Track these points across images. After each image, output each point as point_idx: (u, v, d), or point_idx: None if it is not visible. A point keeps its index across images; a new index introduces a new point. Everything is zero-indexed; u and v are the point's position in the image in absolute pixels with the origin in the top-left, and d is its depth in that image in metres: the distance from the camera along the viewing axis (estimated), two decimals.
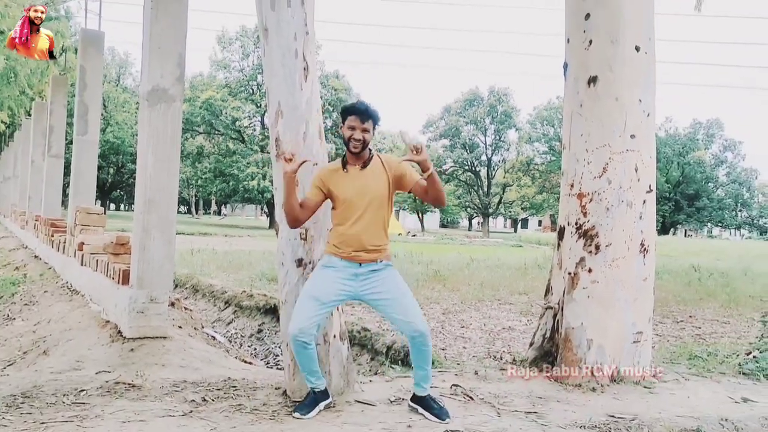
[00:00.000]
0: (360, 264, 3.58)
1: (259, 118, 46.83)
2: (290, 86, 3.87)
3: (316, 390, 3.68)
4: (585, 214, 4.58)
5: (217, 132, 45.64)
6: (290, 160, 3.53)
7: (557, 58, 5.05)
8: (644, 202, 4.60)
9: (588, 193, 4.58)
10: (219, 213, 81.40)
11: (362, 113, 3.57)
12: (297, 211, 3.58)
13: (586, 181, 4.59)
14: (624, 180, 4.52)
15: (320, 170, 3.74)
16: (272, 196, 43.73)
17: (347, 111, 3.61)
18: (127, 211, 68.21)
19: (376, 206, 3.60)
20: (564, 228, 4.76)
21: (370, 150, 3.67)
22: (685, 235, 70.70)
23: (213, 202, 79.43)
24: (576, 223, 4.63)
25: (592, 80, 4.59)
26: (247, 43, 45.67)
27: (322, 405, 3.66)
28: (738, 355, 5.51)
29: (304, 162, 3.60)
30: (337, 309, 4.03)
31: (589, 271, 4.53)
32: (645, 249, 4.60)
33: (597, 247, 4.52)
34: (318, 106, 4.02)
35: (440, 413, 3.60)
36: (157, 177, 4.76)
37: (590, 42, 4.60)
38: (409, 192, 3.66)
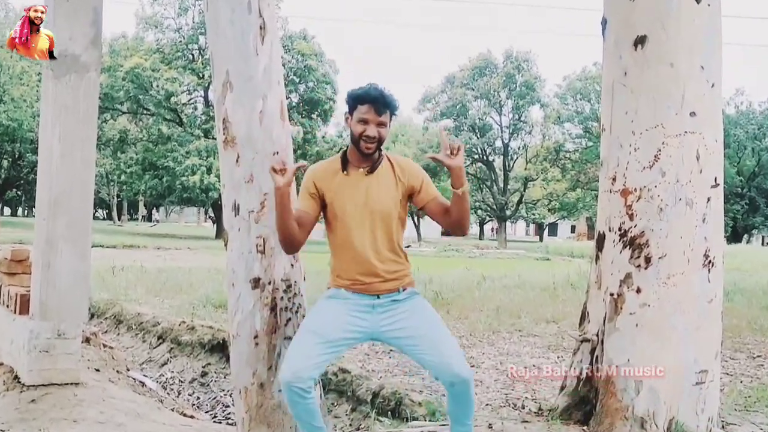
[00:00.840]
0: (378, 296, 3.57)
1: (202, 94, 46.79)
2: (242, 50, 3.88)
3: None
4: (631, 217, 4.60)
5: (146, 112, 45.60)
6: (282, 170, 3.45)
7: (595, 12, 5.08)
8: (708, 199, 4.63)
9: (635, 189, 4.60)
10: (149, 219, 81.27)
11: (378, 102, 3.49)
12: (294, 233, 3.53)
13: (632, 172, 4.62)
14: (682, 171, 4.54)
15: (312, 171, 3.70)
16: (219, 195, 43.25)
17: (358, 99, 3.54)
18: (27, 216, 67.90)
19: (385, 222, 3.59)
20: (604, 235, 4.78)
21: (380, 150, 3.64)
22: (763, 243, 71.32)
23: (141, 204, 79.20)
24: (620, 229, 4.65)
25: (640, 41, 4.61)
26: None
27: None
28: None
29: (300, 167, 3.58)
30: None
31: (638, 291, 4.55)
32: (710, 262, 4.62)
33: (647, 260, 4.54)
34: (279, 77, 4.04)
35: None
36: (65, 170, 4.73)
37: None
38: (420, 209, 3.67)
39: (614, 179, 4.73)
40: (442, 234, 78.73)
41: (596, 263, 4.89)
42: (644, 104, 4.62)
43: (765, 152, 61.55)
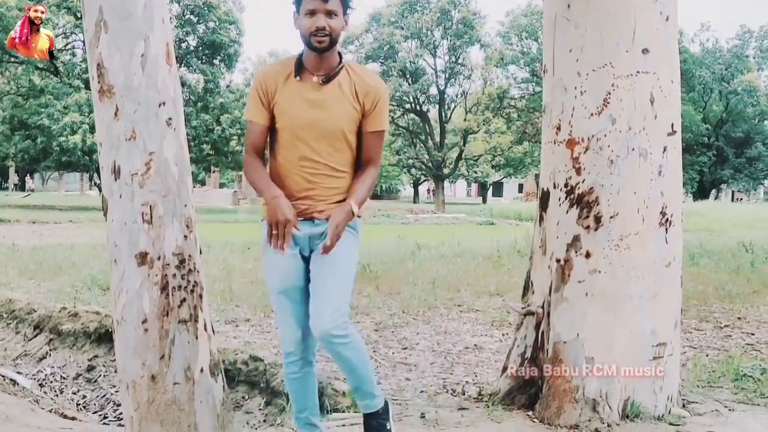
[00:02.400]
0: (314, 221, 3.67)
1: (81, 37, 45.72)
2: None
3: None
4: (578, 171, 4.68)
5: (13, 60, 44.37)
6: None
7: None
8: (665, 149, 4.72)
9: (582, 139, 4.67)
10: (22, 188, 79.44)
11: None
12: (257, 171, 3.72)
13: (578, 120, 4.68)
14: (634, 118, 4.62)
15: (262, 75, 3.74)
16: None
17: None
18: None
19: (331, 141, 3.66)
20: (548, 192, 4.85)
21: (341, 56, 3.69)
22: (733, 199, 73.28)
23: (12, 170, 77.39)
24: (566, 185, 4.72)
25: None
26: None
27: None
28: None
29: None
30: (205, 329, 4.02)
31: (587, 255, 4.64)
32: (668, 220, 4.73)
33: (597, 220, 4.62)
34: (164, 13, 3.98)
35: None
36: None
37: None
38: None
39: (558, 128, 4.79)
40: (372, 197, 79.03)
41: (540, 225, 4.96)
42: (590, 41, 4.68)
43: (733, 96, 62.82)
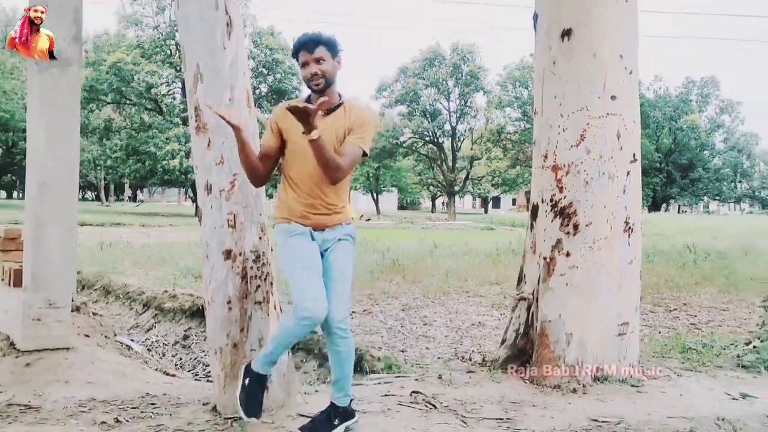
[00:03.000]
0: (323, 230, 3.56)
1: (180, 85, 46.10)
2: (210, 45, 3.83)
3: (266, 376, 3.62)
4: (561, 189, 4.65)
5: (128, 102, 44.83)
6: (226, 117, 3.39)
7: (529, 9, 5.09)
8: (628, 173, 4.70)
9: (564, 165, 4.65)
10: (134, 199, 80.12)
11: (308, 43, 3.47)
12: (254, 163, 3.53)
13: (561, 150, 4.66)
14: (605, 149, 4.60)
15: (276, 111, 3.66)
16: None
17: (295, 50, 3.53)
18: (21, 199, 66.60)
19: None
20: (537, 206, 4.83)
21: (340, 95, 3.60)
22: (679, 211, 72.59)
23: (126, 186, 78.09)
24: (551, 200, 4.70)
25: (566, 33, 4.64)
26: None
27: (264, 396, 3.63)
28: (736, 346, 5.70)
29: (229, 119, 3.41)
30: (275, 308, 4.03)
31: (567, 255, 4.62)
32: (630, 228, 4.70)
33: (575, 227, 4.60)
34: (245, 68, 3.99)
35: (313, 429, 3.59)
36: (51, 156, 4.63)
37: None
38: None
39: (546, 157, 4.77)
40: (399, 208, 78.98)
41: (531, 231, 4.94)
42: (571, 89, 4.66)
43: (680, 131, 62.49)
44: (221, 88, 3.82)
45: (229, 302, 3.81)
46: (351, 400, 3.74)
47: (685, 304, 8.88)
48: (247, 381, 3.56)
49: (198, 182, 3.95)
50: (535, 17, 4.92)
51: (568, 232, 4.63)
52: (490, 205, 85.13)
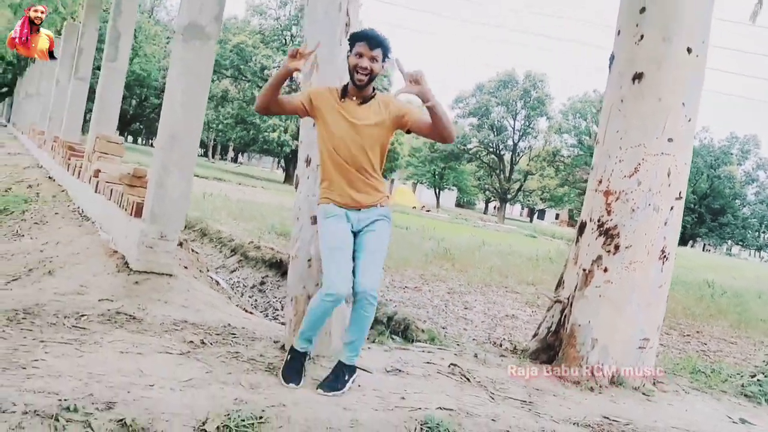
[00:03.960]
0: (359, 210, 3.48)
1: None
2: (330, 39, 3.85)
3: (306, 352, 3.56)
4: (609, 213, 4.56)
5: (244, 78, 45.58)
6: (295, 57, 3.31)
7: (602, 49, 4.97)
8: (672, 208, 4.57)
9: (615, 192, 4.55)
10: (235, 160, 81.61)
11: (371, 39, 3.36)
12: (272, 102, 3.45)
13: (615, 179, 4.56)
14: (654, 183, 4.48)
15: (322, 87, 3.59)
16: (291, 150, 44.02)
17: (355, 37, 3.42)
18: (144, 145, 68.58)
19: (370, 146, 3.44)
20: (585, 223, 4.74)
21: (375, 88, 3.52)
22: (704, 249, 70.16)
23: (231, 148, 79.63)
24: (598, 221, 4.61)
25: (638, 77, 4.53)
26: None
27: (306, 369, 3.55)
28: (742, 376, 5.51)
29: (311, 53, 3.38)
30: None
31: (605, 270, 4.52)
32: (665, 256, 4.57)
33: (616, 248, 4.50)
34: None
35: (331, 386, 3.44)
36: (183, 114, 4.74)
37: (641, 37, 4.53)
38: (408, 131, 3.50)
39: (600, 181, 4.67)
40: (456, 205, 78.47)
41: (576, 244, 4.84)
42: (633, 127, 4.55)
43: (717, 179, 60.29)
44: (333, 78, 3.83)
45: (309, 260, 3.84)
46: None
47: (698, 331, 8.61)
48: (289, 357, 3.54)
49: (300, 155, 3.99)
50: (612, 58, 4.80)
51: (609, 251, 4.53)
52: (536, 215, 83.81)
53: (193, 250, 6.94)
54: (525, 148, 60.12)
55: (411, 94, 3.27)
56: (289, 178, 45.85)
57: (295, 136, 42.99)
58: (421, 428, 3.18)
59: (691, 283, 14.17)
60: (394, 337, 5.25)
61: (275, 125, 41.51)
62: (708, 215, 60.70)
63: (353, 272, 3.40)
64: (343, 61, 3.83)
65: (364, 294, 3.36)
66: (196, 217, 11.74)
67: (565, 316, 4.73)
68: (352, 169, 3.45)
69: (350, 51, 3.43)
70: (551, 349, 4.78)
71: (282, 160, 55.74)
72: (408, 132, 3.52)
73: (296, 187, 4.00)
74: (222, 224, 11.74)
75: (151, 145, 74.17)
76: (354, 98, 3.48)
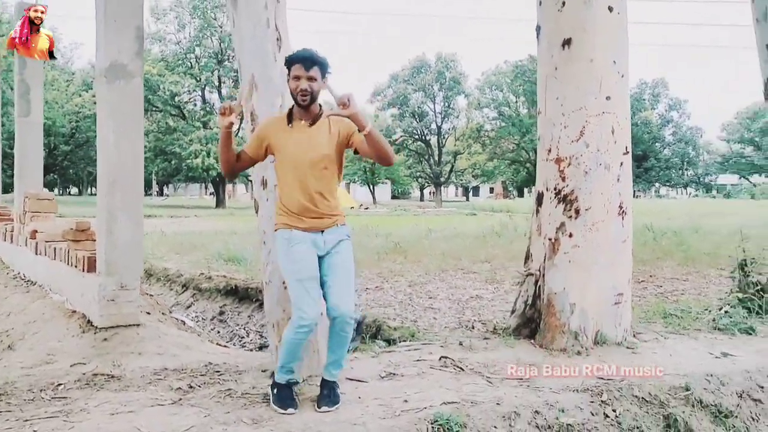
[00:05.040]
0: (322, 232, 3.44)
1: (200, 93, 45.91)
2: (263, 58, 3.81)
3: (292, 382, 3.51)
4: (563, 179, 4.66)
5: (155, 108, 44.48)
6: (226, 113, 3.29)
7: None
8: (621, 164, 4.70)
9: (566, 158, 4.65)
10: (161, 193, 79.66)
11: (306, 60, 3.30)
12: (232, 164, 3.45)
13: (563, 145, 4.66)
14: (601, 143, 4.60)
15: (265, 121, 3.55)
16: (217, 174, 43.28)
17: (291, 60, 3.36)
18: (62, 195, 66.18)
19: (323, 167, 3.41)
20: (542, 194, 4.83)
21: (320, 106, 3.47)
22: (634, 196, 72.59)
23: (154, 182, 77.74)
24: (555, 188, 4.71)
25: (567, 42, 4.63)
26: (182, 13, 44.51)
27: (298, 393, 3.51)
28: (710, 311, 5.73)
29: (238, 116, 3.35)
30: None
31: (570, 235, 4.62)
32: (623, 211, 4.71)
33: (577, 212, 4.61)
34: None
35: (330, 401, 3.45)
36: (119, 156, 4.57)
37: (563, 3, 4.64)
38: (356, 152, 3.49)
39: (549, 150, 4.77)
40: (392, 197, 78.85)
41: (536, 216, 4.93)
42: (571, 91, 4.65)
43: (635, 127, 62.11)
44: (273, 95, 3.80)
45: (284, 282, 3.77)
46: None
47: (651, 276, 8.91)
48: (275, 391, 3.49)
49: (254, 178, 3.93)
50: (538, 29, 4.90)
51: (570, 216, 4.63)
52: (470, 193, 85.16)
53: (148, 294, 6.74)
54: (449, 129, 60.96)
55: (343, 117, 3.28)
56: (220, 202, 45.09)
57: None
58: (432, 427, 3.18)
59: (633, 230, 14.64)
60: (375, 341, 5.23)
61: (197, 151, 40.73)
62: (632, 162, 62.96)
63: (325, 297, 3.38)
64: (281, 77, 3.80)
65: (342, 318, 3.35)
66: None
67: (539, 288, 4.81)
68: (312, 193, 3.40)
69: (288, 75, 3.38)
70: (532, 322, 4.86)
71: (209, 185, 54.74)
72: (355, 153, 3.50)
73: (257, 211, 3.94)
74: (166, 261, 11.44)
75: (69, 194, 71.70)
76: (302, 120, 3.43)
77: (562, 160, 4.66)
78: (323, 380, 3.53)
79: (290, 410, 3.34)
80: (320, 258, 3.42)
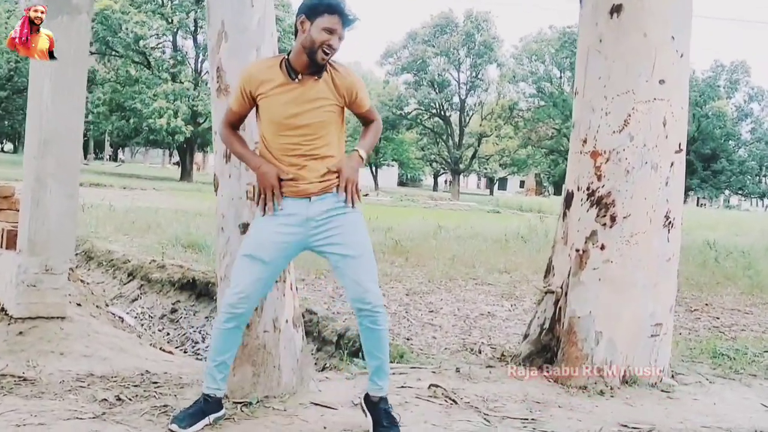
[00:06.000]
0: (309, 198, 3.43)
1: (170, 38, 45.93)
2: (238, 1, 3.80)
3: (211, 397, 3.52)
4: (599, 178, 4.66)
5: (114, 53, 44.54)
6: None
7: None
8: (672, 164, 4.70)
9: (605, 152, 4.65)
10: (115, 158, 79.86)
11: (347, 16, 3.36)
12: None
13: (602, 136, 4.67)
14: (649, 136, 4.60)
15: (253, 73, 3.47)
16: (185, 139, 43.31)
17: (328, 7, 3.33)
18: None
19: (318, 129, 3.43)
20: (572, 193, 4.84)
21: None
22: (698, 204, 72.52)
23: (107, 144, 77.85)
24: (588, 188, 4.71)
25: (616, 9, 4.63)
26: None
27: (211, 418, 3.49)
28: None
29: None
30: (290, 288, 4.03)
31: (602, 247, 4.63)
32: (670, 222, 4.71)
33: (613, 219, 4.61)
34: (273, 29, 3.98)
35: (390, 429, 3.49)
36: (56, 111, 4.58)
37: None
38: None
39: (585, 141, 4.77)
40: (399, 184, 78.92)
41: (563, 220, 4.94)
42: (617, 70, 4.65)
43: (704, 118, 62.12)
44: (247, 48, 3.81)
45: None
46: None
47: (706, 304, 8.93)
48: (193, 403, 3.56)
49: (216, 148, 3.95)
50: None
51: (604, 224, 4.64)
52: (496, 186, 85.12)
53: (82, 281, 6.77)
54: (475, 104, 60.89)
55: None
56: (186, 174, 45.16)
57: (190, 120, 42.40)
58: None
59: (690, 247, 14.59)
60: (355, 360, 5.25)
61: (161, 109, 40.74)
62: (699, 163, 62.61)
63: (349, 286, 3.44)
64: (259, 26, 3.82)
65: (371, 309, 3.41)
66: (78, 236, 11.43)
67: (560, 309, 4.82)
68: (298, 154, 3.42)
69: (312, 19, 3.34)
70: (547, 350, 4.87)
71: (175, 152, 54.81)
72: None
73: (216, 190, 3.95)
74: (111, 242, 11.51)
75: (3, 151, 71.82)
76: (307, 74, 3.41)
77: (600, 155, 4.66)
78: (370, 402, 3.57)
79: (173, 426, 3.37)
80: (311, 242, 3.46)
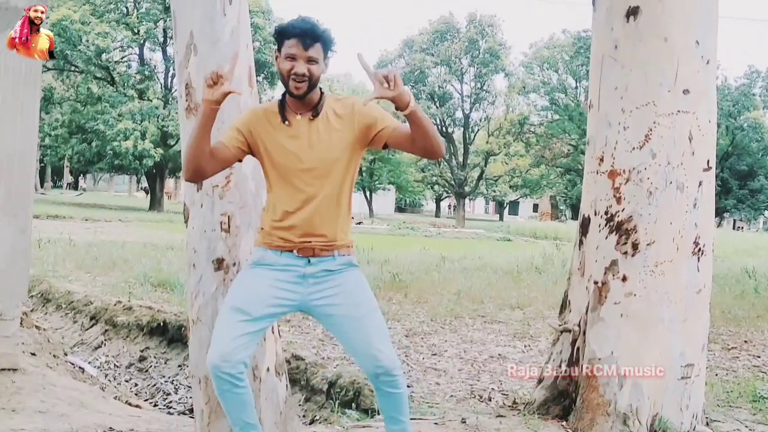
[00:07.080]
0: (309, 259, 3.42)
1: (137, 50, 46.14)
2: (208, 10, 3.84)
3: None
4: (619, 200, 4.67)
5: (74, 69, 44.69)
6: (216, 83, 3.21)
7: None
8: (700, 183, 4.71)
9: (623, 171, 4.66)
10: (75, 186, 79.90)
11: (305, 35, 3.28)
12: (204, 159, 3.33)
13: (621, 153, 4.68)
14: (673, 153, 4.61)
15: (250, 111, 3.54)
16: (154, 163, 43.33)
17: (284, 33, 3.33)
18: None
19: (333, 174, 3.40)
20: (589, 218, 4.85)
21: (321, 91, 3.45)
22: (734, 227, 72.52)
23: (66, 170, 77.92)
24: (606, 213, 4.72)
25: (633, 12, 4.66)
26: None
27: None
28: None
29: (230, 93, 3.26)
30: (272, 331, 4.03)
31: (624, 279, 4.63)
32: (700, 249, 4.71)
33: (635, 246, 4.62)
34: (248, 39, 4.01)
35: None
36: (5, 134, 4.60)
37: None
38: (385, 147, 3.48)
39: (601, 159, 4.78)
40: (396, 210, 78.97)
41: (579, 249, 4.95)
42: (635, 80, 4.68)
43: (739, 131, 62.37)
44: (218, 62, 3.80)
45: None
46: None
47: (746, 341, 8.91)
48: None
49: (185, 169, 3.94)
50: None
51: (625, 252, 4.64)
52: (506, 210, 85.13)
53: (37, 327, 6.77)
54: (480, 119, 61.11)
55: (385, 99, 3.23)
56: (156, 202, 45.17)
57: (160, 142, 42.48)
58: None
59: (726, 276, 14.62)
60: (345, 411, 5.24)
61: (127, 130, 40.80)
62: (734, 181, 62.78)
63: (359, 351, 3.43)
64: (233, 37, 3.84)
65: (387, 373, 3.39)
66: (32, 275, 11.40)
67: (577, 350, 4.81)
68: (310, 214, 3.39)
69: (278, 51, 3.36)
70: (565, 396, 4.86)
71: (143, 178, 54.82)
72: (384, 147, 3.49)
73: (186, 221, 3.96)
74: (71, 281, 11.50)
75: None
76: (300, 114, 3.41)
77: (619, 174, 4.67)
78: None
79: None
80: (308, 302, 3.43)
